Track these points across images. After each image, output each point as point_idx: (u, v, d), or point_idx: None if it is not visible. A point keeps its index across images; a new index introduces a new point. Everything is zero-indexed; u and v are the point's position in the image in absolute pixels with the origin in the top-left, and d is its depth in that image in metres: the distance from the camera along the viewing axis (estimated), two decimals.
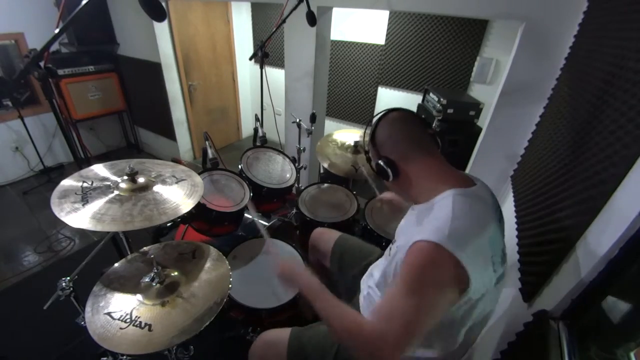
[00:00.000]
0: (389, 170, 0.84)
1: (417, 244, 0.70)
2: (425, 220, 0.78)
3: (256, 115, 1.94)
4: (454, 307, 0.73)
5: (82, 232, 2.57)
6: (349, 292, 1.26)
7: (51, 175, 3.31)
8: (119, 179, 1.15)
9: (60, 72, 3.00)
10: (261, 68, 2.05)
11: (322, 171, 2.22)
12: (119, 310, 0.97)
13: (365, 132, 0.95)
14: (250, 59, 2.08)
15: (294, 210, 1.87)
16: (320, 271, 1.52)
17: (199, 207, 1.39)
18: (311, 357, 1.01)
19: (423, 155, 0.83)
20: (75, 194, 1.06)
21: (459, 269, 0.66)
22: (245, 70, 4.13)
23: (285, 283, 0.99)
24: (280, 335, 1.08)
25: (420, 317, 0.66)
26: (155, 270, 1.05)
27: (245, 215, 1.75)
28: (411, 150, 0.83)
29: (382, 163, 0.85)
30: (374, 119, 0.91)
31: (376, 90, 3.26)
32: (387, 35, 2.96)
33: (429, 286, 0.67)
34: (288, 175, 1.89)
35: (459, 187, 0.77)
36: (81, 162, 1.33)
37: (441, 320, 0.75)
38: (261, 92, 2.16)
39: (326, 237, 1.45)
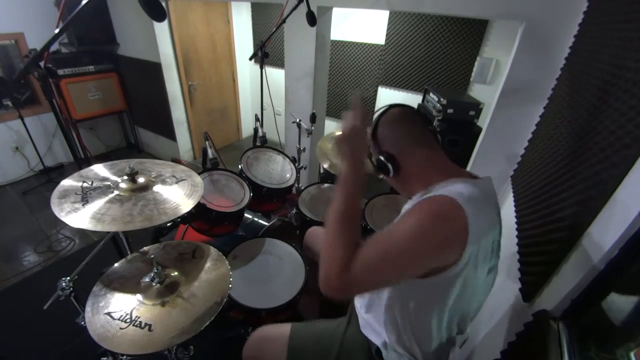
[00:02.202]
0: (389, 166, 0.84)
1: (430, 196, 0.69)
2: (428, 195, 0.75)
3: (256, 115, 1.93)
4: (431, 282, 0.70)
5: (82, 232, 2.57)
6: None
7: (51, 175, 3.31)
8: (119, 179, 1.15)
9: (60, 72, 3.00)
10: (261, 68, 2.05)
11: (322, 171, 2.22)
12: (119, 310, 0.97)
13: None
14: (250, 59, 2.08)
15: (294, 210, 1.87)
16: (316, 269, 1.51)
17: (199, 207, 1.39)
18: (313, 354, 1.00)
19: (424, 151, 0.83)
20: (75, 194, 1.06)
21: (462, 232, 0.65)
22: (245, 70, 4.13)
23: (341, 147, 0.84)
24: (280, 329, 1.07)
25: (390, 261, 0.65)
26: (155, 270, 1.05)
27: (245, 215, 1.75)
28: (412, 145, 0.83)
29: (382, 158, 0.84)
30: (375, 115, 0.90)
31: (376, 90, 3.26)
32: (387, 35, 2.96)
33: (427, 236, 0.64)
34: (288, 175, 1.89)
35: (463, 177, 0.77)
36: (81, 162, 1.33)
37: (416, 302, 0.76)
38: (261, 92, 2.16)
39: (320, 235, 1.45)
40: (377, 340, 0.93)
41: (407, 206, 0.91)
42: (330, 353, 0.98)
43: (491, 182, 0.82)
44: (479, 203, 0.69)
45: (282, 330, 1.06)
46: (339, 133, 0.85)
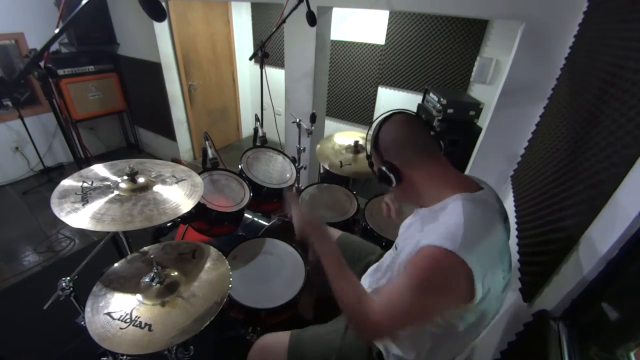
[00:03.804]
0: (392, 176, 0.81)
1: (427, 248, 0.68)
2: (432, 224, 0.76)
3: (256, 115, 1.93)
4: (462, 316, 0.73)
5: (82, 232, 2.57)
6: None
7: (51, 175, 3.31)
8: (119, 179, 1.15)
9: (60, 72, 3.00)
10: (261, 68, 2.05)
11: (322, 171, 2.22)
12: (119, 310, 0.97)
13: (367, 134, 0.93)
14: (250, 59, 2.08)
15: None
16: (320, 270, 1.52)
17: (199, 207, 1.39)
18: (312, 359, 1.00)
19: (427, 161, 0.81)
20: (75, 194, 1.06)
21: (468, 279, 0.65)
22: (245, 70, 4.13)
23: (303, 235, 0.96)
24: (279, 338, 1.07)
25: (414, 315, 0.71)
26: (155, 270, 1.05)
27: (245, 215, 1.75)
28: (416, 155, 0.81)
29: (385, 169, 0.82)
30: (377, 121, 0.88)
31: (376, 90, 3.26)
32: (387, 35, 2.96)
33: (432, 291, 0.68)
34: (288, 175, 1.89)
35: (465, 191, 0.75)
36: (81, 162, 1.32)
37: (452, 329, 0.77)
38: (261, 92, 2.16)
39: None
40: (378, 344, 0.93)
41: (414, 224, 0.89)
42: (330, 357, 0.98)
43: (493, 192, 0.81)
44: (479, 231, 0.69)
45: (282, 338, 1.06)
46: (296, 222, 0.98)
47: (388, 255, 1.00)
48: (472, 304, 0.69)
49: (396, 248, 0.91)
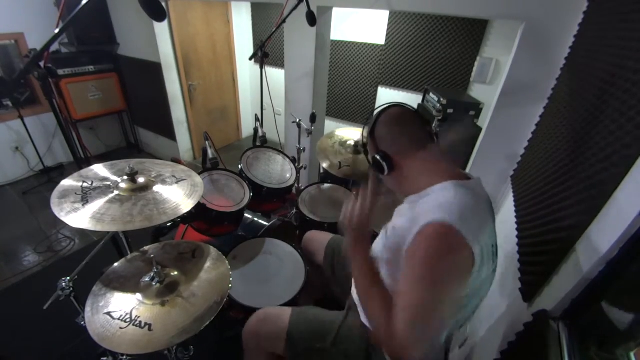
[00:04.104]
0: (384, 164, 0.86)
1: (428, 226, 0.69)
2: (423, 202, 0.78)
3: (256, 115, 1.94)
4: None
5: (82, 232, 2.57)
6: (343, 290, 1.27)
7: (51, 175, 3.31)
8: (119, 179, 1.15)
9: (60, 72, 3.00)
10: (261, 68, 2.05)
11: (322, 171, 2.22)
12: (118, 310, 0.97)
13: (365, 125, 0.96)
14: (250, 59, 2.08)
15: (294, 210, 1.87)
16: (316, 271, 1.52)
17: (199, 207, 1.39)
18: (310, 336, 1.02)
19: (420, 152, 0.85)
20: (75, 194, 1.06)
21: (469, 251, 0.67)
22: (245, 70, 4.12)
23: (349, 234, 0.87)
24: (281, 311, 1.09)
25: (439, 311, 0.68)
26: (155, 270, 1.05)
27: (245, 215, 1.75)
28: (409, 146, 0.85)
29: (378, 157, 0.86)
30: (375, 113, 0.93)
31: (376, 90, 3.26)
32: (387, 35, 2.96)
33: (448, 274, 0.68)
34: (288, 175, 1.89)
35: (455, 179, 0.79)
36: (81, 162, 1.33)
37: None
38: (261, 92, 2.16)
39: (318, 239, 1.47)
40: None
41: (403, 206, 0.91)
42: (327, 337, 1.01)
43: (481, 182, 0.84)
44: (471, 210, 0.71)
45: (284, 311, 1.09)
46: (344, 216, 0.88)
47: (377, 243, 1.00)
48: (469, 278, 0.70)
49: (386, 232, 0.91)
